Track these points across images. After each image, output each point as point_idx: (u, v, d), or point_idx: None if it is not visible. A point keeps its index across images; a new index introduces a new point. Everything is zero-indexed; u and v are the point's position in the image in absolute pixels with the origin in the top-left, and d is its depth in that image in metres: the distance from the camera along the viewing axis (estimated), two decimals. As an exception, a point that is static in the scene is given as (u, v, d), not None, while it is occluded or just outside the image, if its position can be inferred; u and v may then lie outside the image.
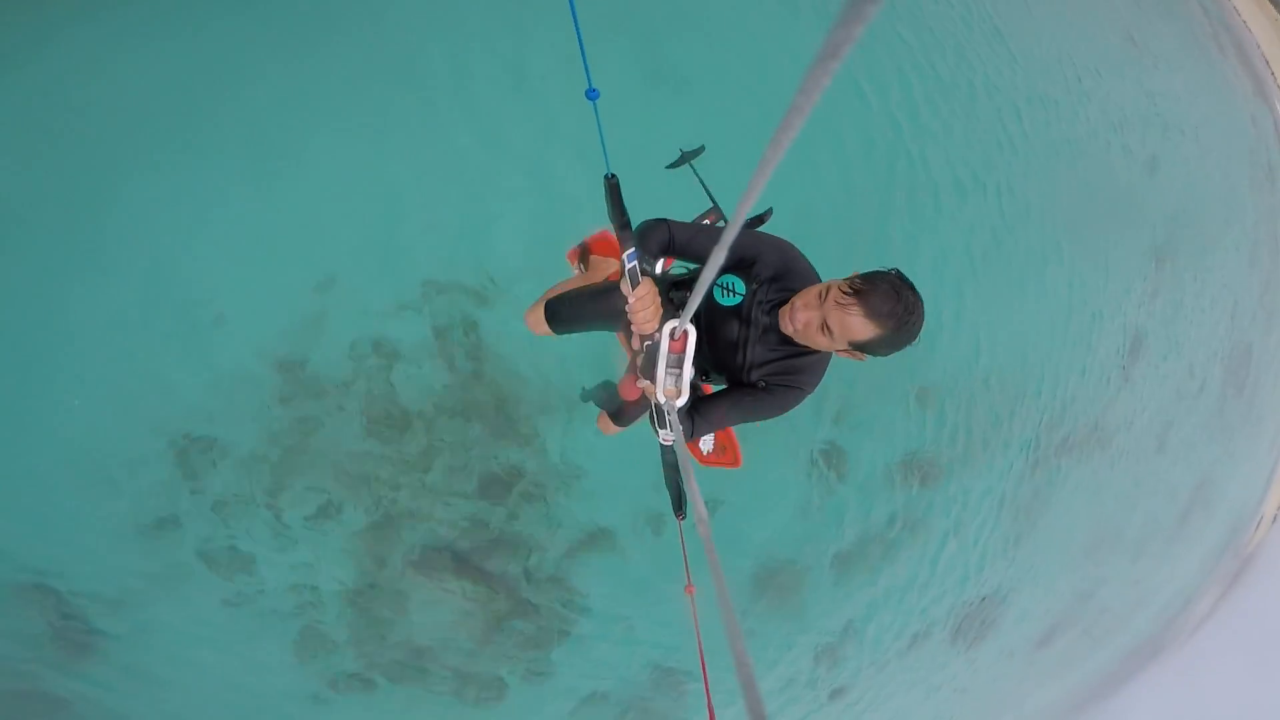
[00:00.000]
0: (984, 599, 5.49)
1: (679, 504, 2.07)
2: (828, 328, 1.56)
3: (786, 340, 1.71)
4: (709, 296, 1.79)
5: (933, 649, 5.48)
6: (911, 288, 1.54)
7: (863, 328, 1.52)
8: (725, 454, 3.15)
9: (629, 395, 1.78)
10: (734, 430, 3.21)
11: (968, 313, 4.26)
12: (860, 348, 1.58)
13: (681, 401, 1.39)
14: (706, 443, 3.06)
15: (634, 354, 1.75)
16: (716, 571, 0.70)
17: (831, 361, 1.77)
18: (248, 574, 3.27)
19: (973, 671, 6.16)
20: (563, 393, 3.51)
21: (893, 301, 1.49)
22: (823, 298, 1.57)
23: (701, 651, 1.48)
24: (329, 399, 3.15)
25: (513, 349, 3.37)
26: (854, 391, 4.11)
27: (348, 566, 3.37)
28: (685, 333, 1.35)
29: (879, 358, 1.61)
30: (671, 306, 1.80)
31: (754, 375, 1.78)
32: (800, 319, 1.61)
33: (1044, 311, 4.79)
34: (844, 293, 1.53)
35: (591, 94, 1.14)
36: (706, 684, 1.41)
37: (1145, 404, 6.09)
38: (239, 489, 3.14)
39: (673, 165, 3.05)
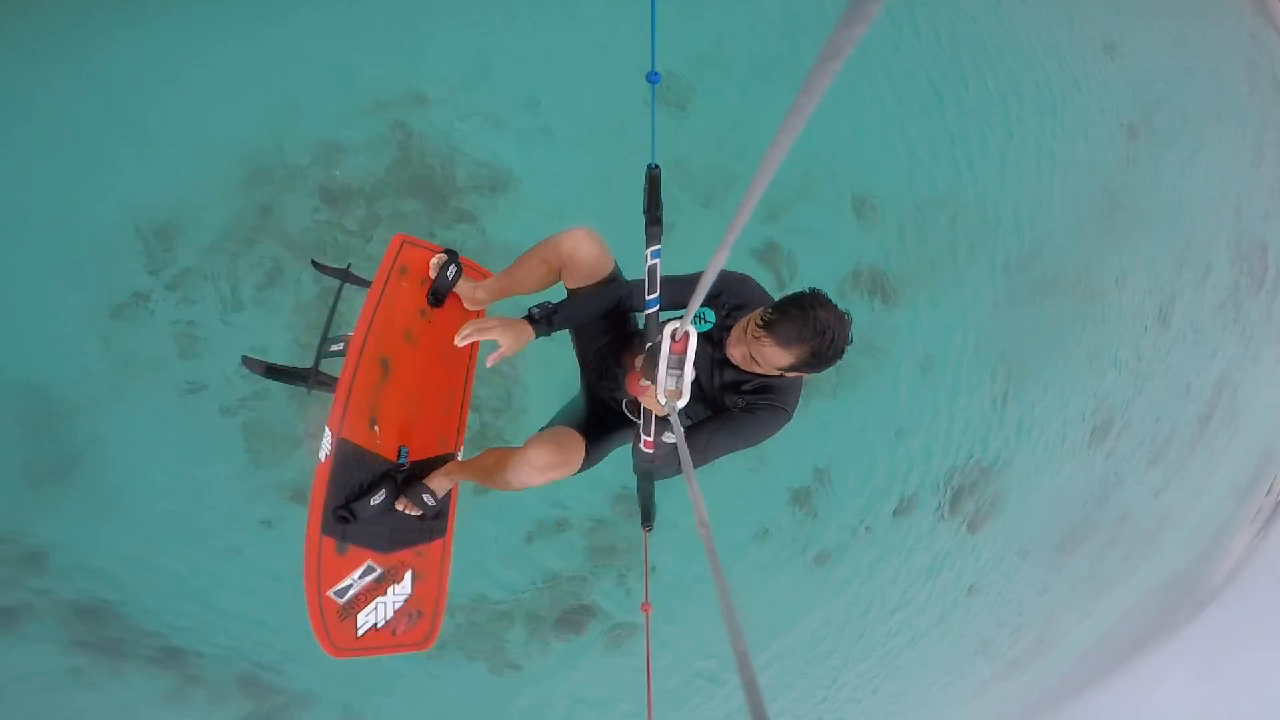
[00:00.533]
0: (974, 461, 5.22)
1: (647, 516, 2.02)
2: (753, 359, 1.63)
3: (757, 374, 1.75)
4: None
5: (926, 520, 5.20)
6: (825, 306, 1.55)
7: (779, 356, 1.58)
8: (419, 623, 2.04)
9: (635, 392, 1.75)
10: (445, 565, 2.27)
11: (883, 118, 4.25)
12: (790, 370, 1.63)
13: (682, 403, 1.44)
14: (384, 609, 1.98)
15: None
16: (718, 575, 0.71)
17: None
18: (201, 359, 3.46)
19: (979, 563, 5.80)
20: (503, 176, 3.68)
21: (799, 326, 1.53)
22: (745, 331, 1.64)
23: (649, 674, 1.47)
24: (282, 184, 3.42)
25: (449, 143, 3.60)
26: (782, 191, 4.14)
27: (293, 347, 3.53)
28: (686, 334, 1.40)
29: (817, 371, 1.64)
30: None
31: (729, 399, 1.81)
32: (736, 354, 1.67)
33: (972, 129, 4.73)
34: (757, 325, 1.59)
35: (653, 77, 1.15)
36: (650, 702, 1.38)
37: (1134, 264, 5.85)
38: (198, 266, 3.38)
39: None
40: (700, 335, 1.66)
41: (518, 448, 1.93)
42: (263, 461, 3.70)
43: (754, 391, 1.77)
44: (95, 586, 3.58)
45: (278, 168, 3.48)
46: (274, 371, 2.17)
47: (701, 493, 0.91)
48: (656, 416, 1.70)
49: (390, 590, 2.00)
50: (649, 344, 1.51)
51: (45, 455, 3.47)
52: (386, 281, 2.06)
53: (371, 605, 1.94)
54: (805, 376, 1.70)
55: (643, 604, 1.70)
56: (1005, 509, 5.62)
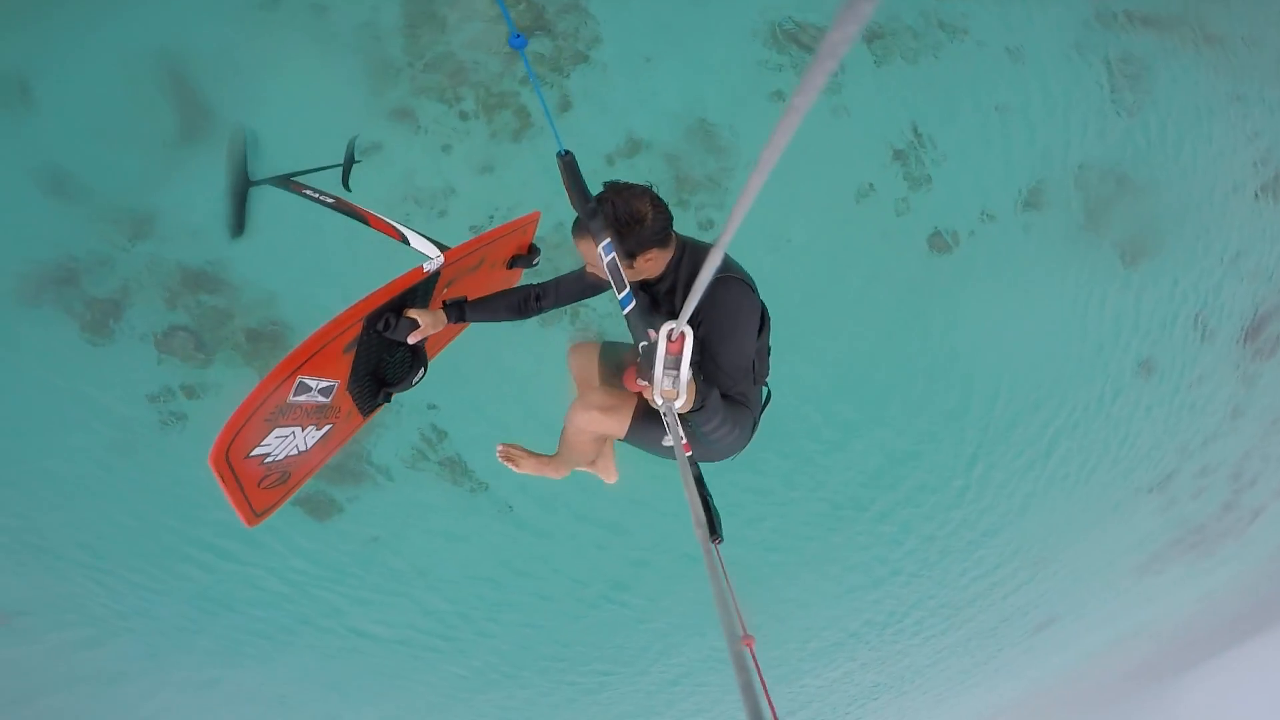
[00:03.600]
0: (1109, 168, 4.41)
1: (712, 526, 1.83)
2: (591, 264, 1.68)
3: (660, 283, 1.77)
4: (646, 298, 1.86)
5: (1062, 223, 4.40)
6: (610, 190, 1.61)
7: (590, 247, 1.60)
8: (274, 491, 1.89)
9: (631, 388, 1.75)
10: None
11: None
12: (622, 261, 1.60)
13: (679, 404, 1.42)
14: (290, 443, 1.85)
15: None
16: (717, 575, 0.73)
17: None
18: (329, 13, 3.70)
19: (1143, 316, 4.75)
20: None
21: (591, 215, 1.56)
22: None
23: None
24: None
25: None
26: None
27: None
28: (683, 334, 1.38)
29: (640, 246, 1.63)
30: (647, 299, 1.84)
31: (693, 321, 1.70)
32: (589, 268, 1.76)
33: None
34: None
35: (516, 41, 1.10)
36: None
37: (1262, 29, 4.92)
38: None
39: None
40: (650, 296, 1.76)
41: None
42: (374, 89, 3.81)
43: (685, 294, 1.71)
44: (199, 250, 3.75)
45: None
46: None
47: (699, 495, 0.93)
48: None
49: (309, 429, 1.88)
50: (641, 344, 1.49)
51: (181, 118, 3.72)
52: (514, 232, 2.44)
53: (291, 429, 1.81)
54: (640, 263, 1.64)
55: (744, 639, 1.36)
56: (1164, 244, 4.66)
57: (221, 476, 1.63)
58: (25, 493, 4.13)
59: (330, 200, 2.50)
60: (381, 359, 2.08)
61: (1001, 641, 5.93)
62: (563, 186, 1.56)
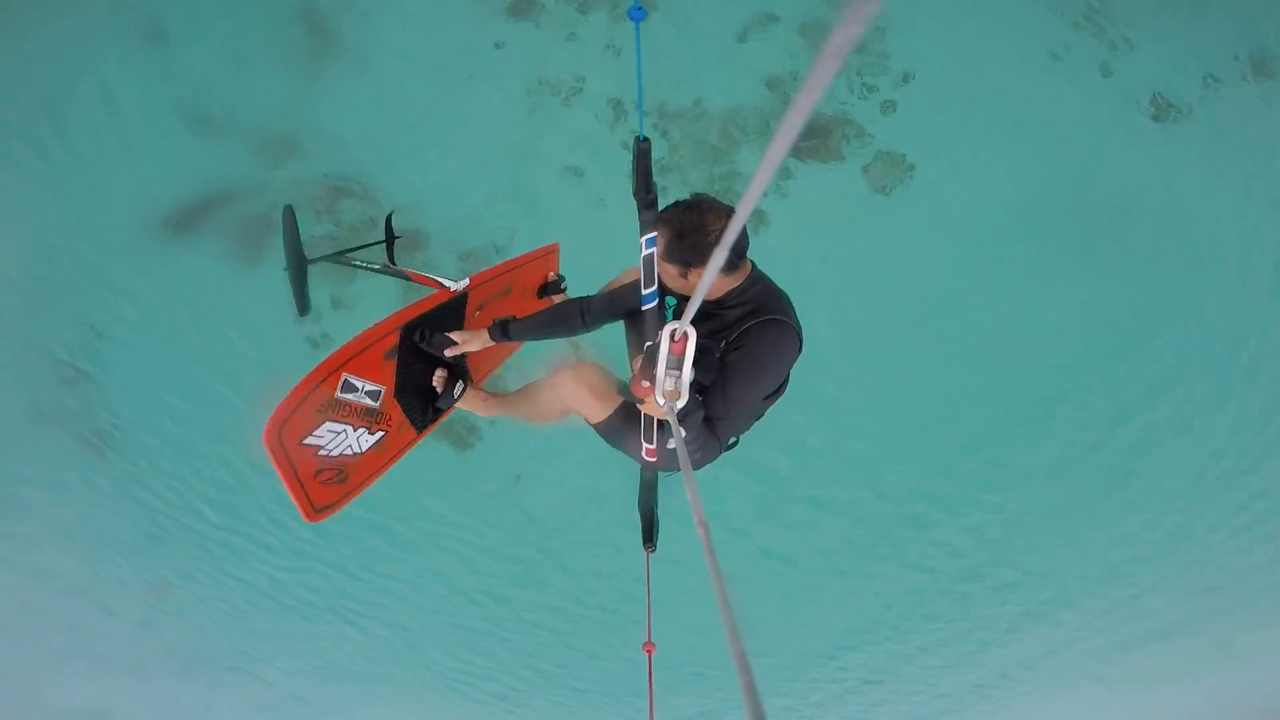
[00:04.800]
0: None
1: (649, 534, 1.94)
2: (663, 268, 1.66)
3: (718, 306, 1.75)
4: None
5: None
6: (700, 200, 1.63)
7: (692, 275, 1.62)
8: (331, 488, 1.94)
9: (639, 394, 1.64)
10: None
11: None
12: (671, 261, 1.61)
13: (681, 403, 1.44)
14: (342, 441, 1.92)
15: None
16: (717, 576, 0.71)
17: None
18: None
19: None
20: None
21: (668, 214, 1.60)
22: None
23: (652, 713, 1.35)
24: None
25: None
26: None
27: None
28: (685, 334, 1.39)
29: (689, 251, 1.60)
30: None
31: (724, 343, 1.75)
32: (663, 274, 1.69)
33: None
34: None
35: (636, 14, 1.03)
36: None
37: None
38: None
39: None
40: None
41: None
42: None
43: (739, 321, 1.72)
44: (339, 164, 3.76)
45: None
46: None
47: (700, 495, 0.88)
48: (658, 421, 1.74)
49: (361, 431, 2.02)
50: (647, 344, 1.52)
51: (309, 41, 3.79)
52: (535, 259, 2.62)
53: (343, 426, 1.94)
54: (688, 273, 1.64)
55: (645, 644, 1.48)
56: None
57: (274, 457, 1.73)
58: (175, 452, 4.03)
59: (378, 267, 2.88)
60: (426, 375, 2.21)
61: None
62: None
